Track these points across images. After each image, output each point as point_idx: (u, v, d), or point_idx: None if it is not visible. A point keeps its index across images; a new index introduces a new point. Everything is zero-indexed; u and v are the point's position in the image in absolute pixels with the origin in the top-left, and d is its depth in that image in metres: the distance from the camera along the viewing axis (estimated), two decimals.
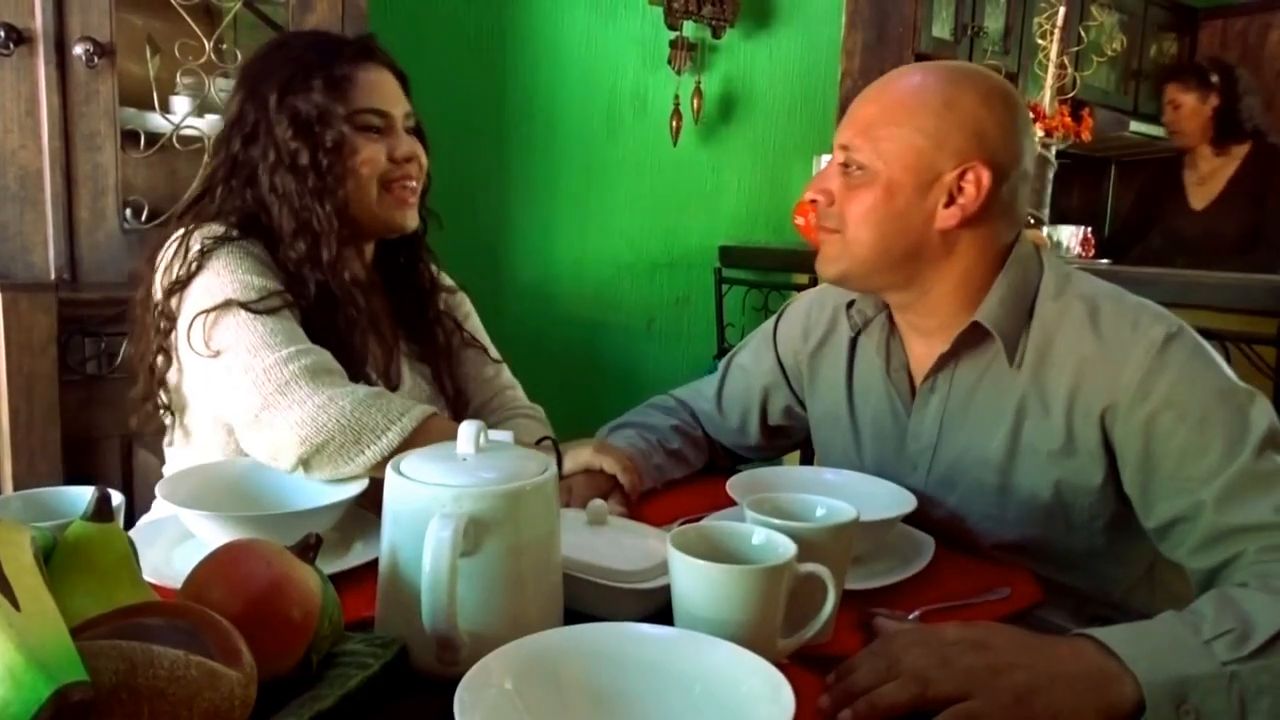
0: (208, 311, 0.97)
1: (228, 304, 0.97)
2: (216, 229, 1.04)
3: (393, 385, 1.16)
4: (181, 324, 1.00)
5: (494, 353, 1.32)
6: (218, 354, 0.96)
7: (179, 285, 1.01)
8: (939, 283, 0.97)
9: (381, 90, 1.11)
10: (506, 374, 1.31)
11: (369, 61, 1.11)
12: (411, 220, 1.14)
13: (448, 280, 1.32)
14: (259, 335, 0.96)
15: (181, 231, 1.04)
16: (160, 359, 1.04)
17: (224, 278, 1.00)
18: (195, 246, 1.02)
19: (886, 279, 0.99)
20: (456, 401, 1.24)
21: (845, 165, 0.96)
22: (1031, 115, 0.98)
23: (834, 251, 0.98)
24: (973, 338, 0.97)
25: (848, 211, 0.95)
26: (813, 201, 0.99)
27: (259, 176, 1.07)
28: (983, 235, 0.96)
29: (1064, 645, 0.67)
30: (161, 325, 1.02)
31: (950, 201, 0.93)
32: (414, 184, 1.12)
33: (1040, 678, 0.63)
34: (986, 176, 0.92)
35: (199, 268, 1.01)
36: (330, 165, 1.05)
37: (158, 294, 1.03)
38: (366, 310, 1.10)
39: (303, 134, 1.05)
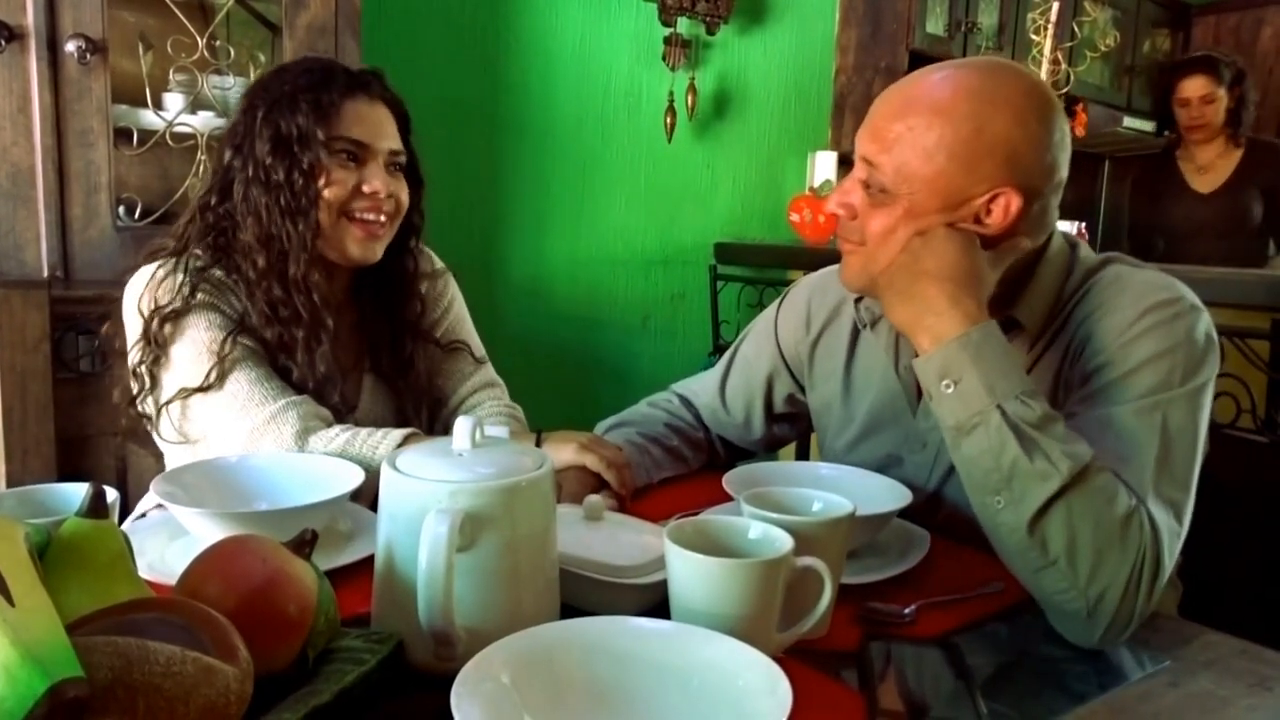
0: (169, 403, 1.05)
1: (182, 392, 1.04)
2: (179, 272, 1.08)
3: (350, 406, 1.18)
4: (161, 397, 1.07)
5: (478, 350, 1.32)
6: (199, 439, 1.06)
7: (166, 319, 1.06)
8: None
9: (366, 123, 1.12)
10: (488, 373, 1.31)
11: (362, 93, 1.13)
12: (370, 254, 1.13)
13: (438, 263, 1.32)
14: (233, 405, 1.03)
15: (156, 267, 1.09)
16: (136, 382, 1.07)
17: (184, 354, 1.05)
18: (166, 298, 1.06)
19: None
20: (434, 411, 1.26)
21: (867, 183, 0.92)
22: (1069, 150, 0.95)
23: (857, 265, 0.95)
24: (1002, 328, 0.96)
25: (869, 228, 0.92)
26: (834, 214, 0.97)
27: (235, 187, 1.10)
28: (1009, 248, 0.92)
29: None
30: (143, 354, 1.06)
31: (977, 221, 0.89)
32: (378, 218, 1.12)
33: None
34: (1016, 203, 0.87)
35: (173, 326, 1.06)
36: (303, 186, 1.07)
37: (134, 323, 1.07)
38: (331, 331, 1.11)
39: (279, 152, 1.07)
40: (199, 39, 1.58)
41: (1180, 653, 0.76)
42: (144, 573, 0.66)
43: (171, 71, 1.61)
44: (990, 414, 0.78)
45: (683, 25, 2.53)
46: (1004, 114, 0.87)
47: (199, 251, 1.10)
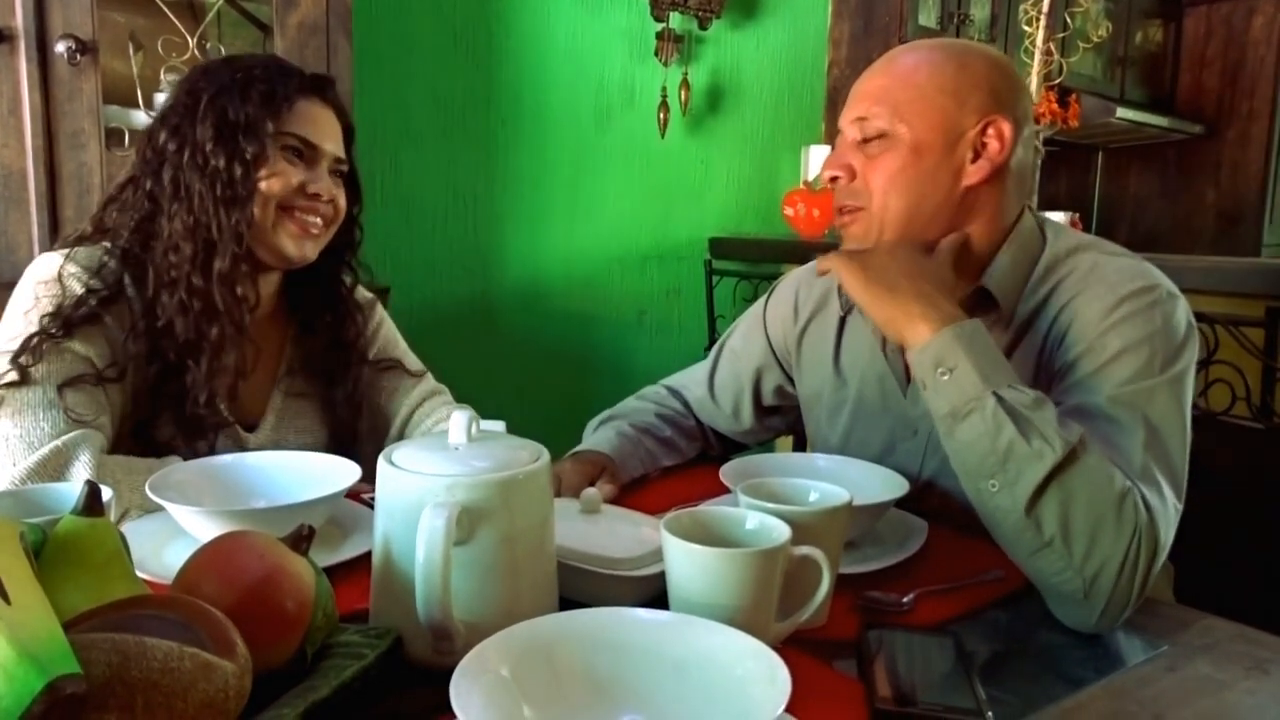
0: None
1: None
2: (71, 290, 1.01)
3: (251, 424, 1.14)
4: None
5: (414, 365, 1.28)
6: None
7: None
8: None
9: (317, 124, 1.09)
10: (430, 382, 1.28)
11: (316, 95, 1.10)
12: (305, 254, 1.09)
13: (365, 294, 1.28)
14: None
15: (61, 262, 1.03)
16: None
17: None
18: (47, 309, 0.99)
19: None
20: (358, 439, 1.23)
21: (864, 139, 0.95)
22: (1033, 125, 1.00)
23: (861, 229, 0.96)
24: (975, 304, 0.97)
25: (873, 181, 0.94)
26: (833, 179, 0.98)
27: (164, 170, 1.03)
28: (999, 197, 0.96)
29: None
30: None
31: (976, 157, 0.94)
32: (317, 220, 1.09)
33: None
34: (1009, 128, 0.93)
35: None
36: (243, 176, 1.02)
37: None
38: (247, 333, 1.07)
39: (222, 139, 1.02)
40: (189, 39, 1.58)
41: (1178, 637, 0.76)
42: (140, 571, 0.65)
43: (163, 71, 1.60)
44: (986, 399, 0.78)
45: (675, 20, 2.53)
46: (979, 57, 0.96)
47: (110, 245, 1.04)
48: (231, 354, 1.05)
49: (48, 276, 1.02)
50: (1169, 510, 0.80)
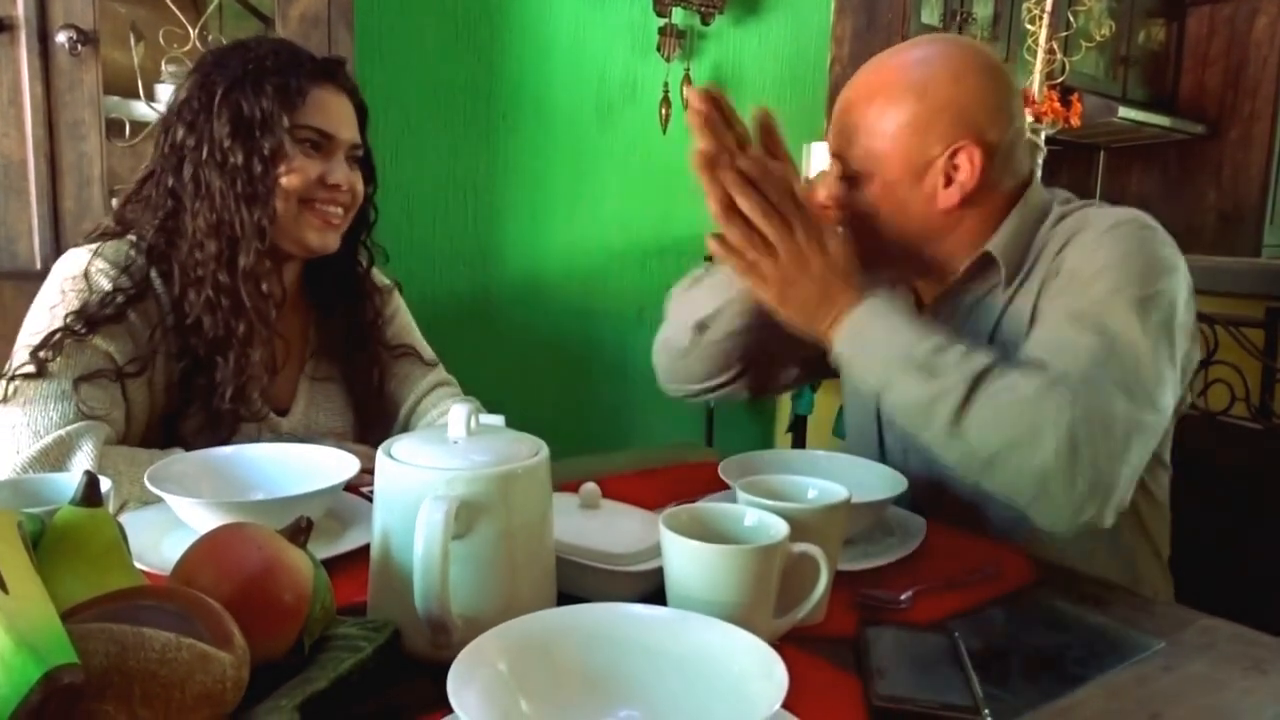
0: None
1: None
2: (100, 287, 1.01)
3: (281, 410, 1.15)
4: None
5: (427, 354, 1.29)
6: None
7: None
8: (951, 254, 1.02)
9: (332, 112, 1.09)
10: (440, 373, 1.29)
11: (328, 82, 1.10)
12: (329, 244, 1.11)
13: (384, 279, 1.29)
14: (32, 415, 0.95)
15: (82, 268, 1.03)
16: None
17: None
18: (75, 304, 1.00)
19: (903, 268, 1.05)
20: (383, 419, 1.24)
21: (841, 174, 1.01)
22: (1020, 100, 1.02)
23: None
24: (980, 268, 1.01)
25: (852, 213, 1.01)
26: (825, 207, 1.03)
27: (184, 167, 1.04)
28: (986, 201, 0.99)
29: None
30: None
31: (948, 182, 0.96)
32: (337, 210, 1.10)
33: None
34: (978, 154, 0.95)
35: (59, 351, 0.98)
36: (263, 173, 1.02)
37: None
38: (274, 328, 1.08)
39: (240, 135, 1.02)
40: (190, 30, 1.58)
41: (1175, 636, 0.76)
42: (138, 563, 0.65)
43: (163, 62, 1.60)
44: (892, 369, 0.86)
45: (677, 15, 2.52)
46: (941, 74, 0.96)
47: (136, 239, 1.05)
48: (259, 350, 1.06)
49: (75, 272, 1.03)
50: (1122, 412, 0.81)
